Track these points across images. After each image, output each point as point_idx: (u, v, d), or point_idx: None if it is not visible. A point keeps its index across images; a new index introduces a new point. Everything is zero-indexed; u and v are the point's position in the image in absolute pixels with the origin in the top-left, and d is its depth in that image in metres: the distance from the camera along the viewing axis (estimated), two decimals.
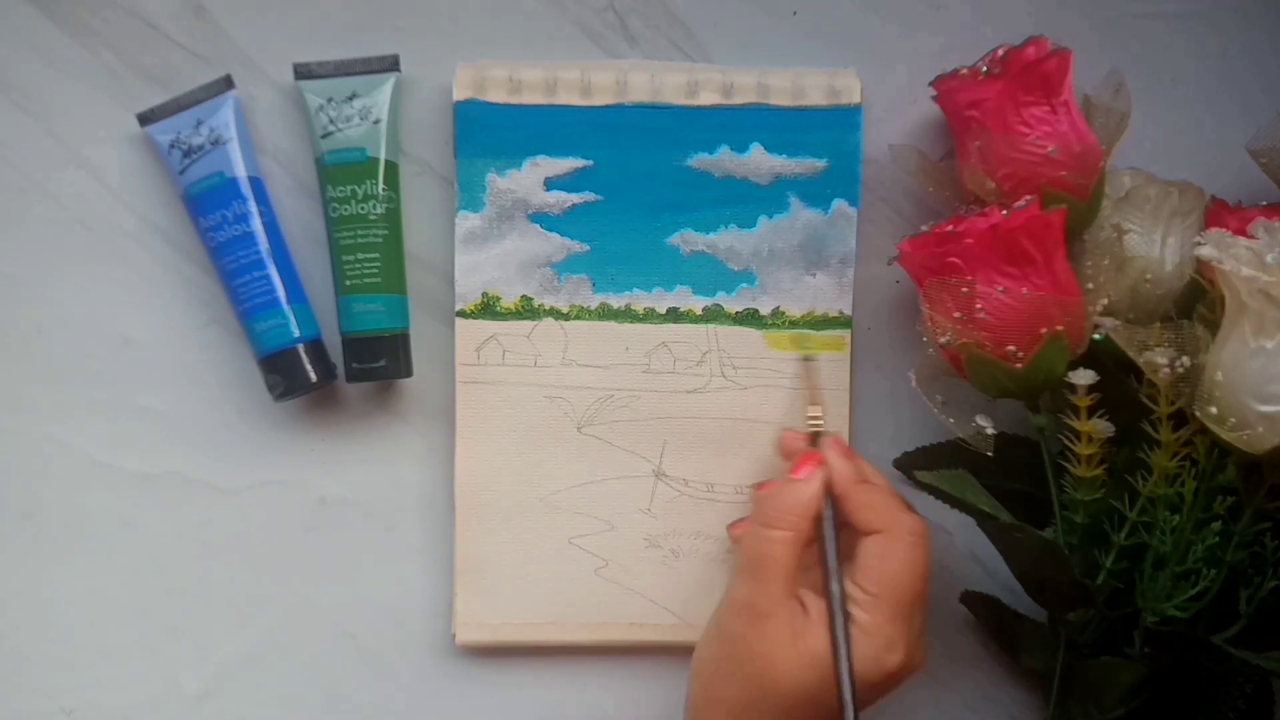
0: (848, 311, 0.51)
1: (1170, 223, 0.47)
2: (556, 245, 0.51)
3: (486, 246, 0.50)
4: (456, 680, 0.52)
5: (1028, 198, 0.44)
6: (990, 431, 0.46)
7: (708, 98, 0.50)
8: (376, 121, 0.49)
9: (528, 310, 0.51)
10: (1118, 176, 0.48)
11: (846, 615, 0.42)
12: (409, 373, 0.50)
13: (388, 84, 0.49)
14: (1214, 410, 0.41)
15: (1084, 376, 0.44)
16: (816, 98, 0.50)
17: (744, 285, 0.51)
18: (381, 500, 0.51)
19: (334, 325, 0.50)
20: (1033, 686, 0.52)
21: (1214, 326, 0.42)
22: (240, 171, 0.49)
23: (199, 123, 0.49)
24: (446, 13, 0.51)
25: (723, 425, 0.51)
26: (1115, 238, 0.46)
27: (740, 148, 0.50)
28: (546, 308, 0.51)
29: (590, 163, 0.50)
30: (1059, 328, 0.44)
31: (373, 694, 0.52)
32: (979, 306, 0.44)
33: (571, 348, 0.51)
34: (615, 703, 0.52)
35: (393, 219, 0.49)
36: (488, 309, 0.50)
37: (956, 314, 0.44)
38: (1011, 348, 0.44)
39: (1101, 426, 0.44)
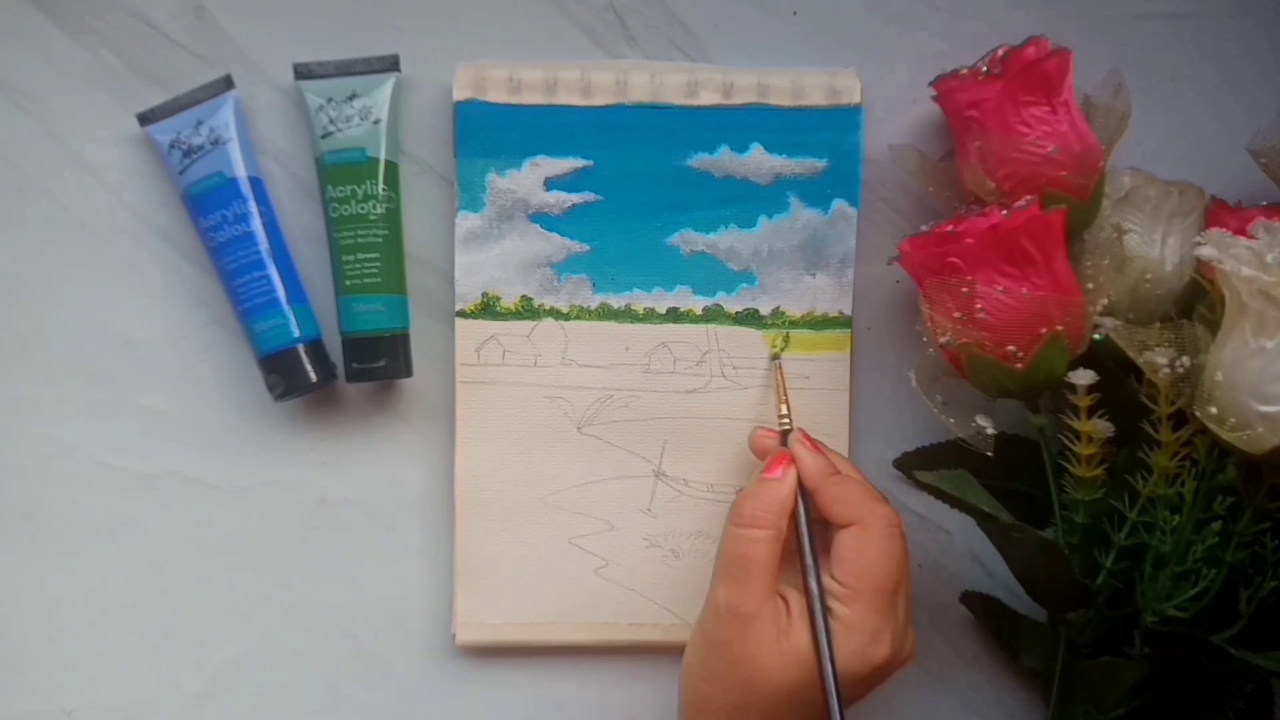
0: (848, 311, 0.51)
1: (1170, 223, 0.47)
2: (556, 245, 0.51)
3: (486, 246, 0.50)
4: (456, 680, 0.52)
5: (1028, 198, 0.44)
6: (990, 431, 0.46)
7: (708, 98, 0.50)
8: (376, 121, 0.49)
9: (528, 310, 0.51)
10: (1118, 176, 0.48)
11: (826, 610, 0.42)
12: (409, 373, 0.50)
13: (388, 84, 0.49)
14: (1214, 410, 0.41)
15: (1084, 376, 0.44)
16: (816, 98, 0.50)
17: (744, 285, 0.51)
18: (381, 500, 0.51)
19: (334, 325, 0.50)
20: (1033, 686, 0.52)
21: (1214, 326, 0.42)
22: (240, 171, 0.49)
23: (199, 123, 0.49)
24: (446, 13, 0.51)
25: (723, 425, 0.51)
26: (1115, 238, 0.46)
27: (740, 148, 0.50)
28: (546, 308, 0.51)
29: (590, 163, 0.50)
30: (1059, 328, 0.44)
31: (373, 694, 0.52)
32: (979, 306, 0.44)
33: (571, 348, 0.51)
34: (615, 703, 0.52)
35: (393, 219, 0.49)
36: (488, 309, 0.50)
37: (956, 314, 0.44)
38: (1011, 348, 0.44)
39: (1101, 426, 0.44)
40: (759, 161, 0.50)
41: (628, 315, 0.51)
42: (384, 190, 0.49)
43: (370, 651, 0.52)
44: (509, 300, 0.51)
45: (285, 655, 0.51)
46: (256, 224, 0.49)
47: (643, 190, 0.50)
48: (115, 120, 0.50)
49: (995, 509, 0.44)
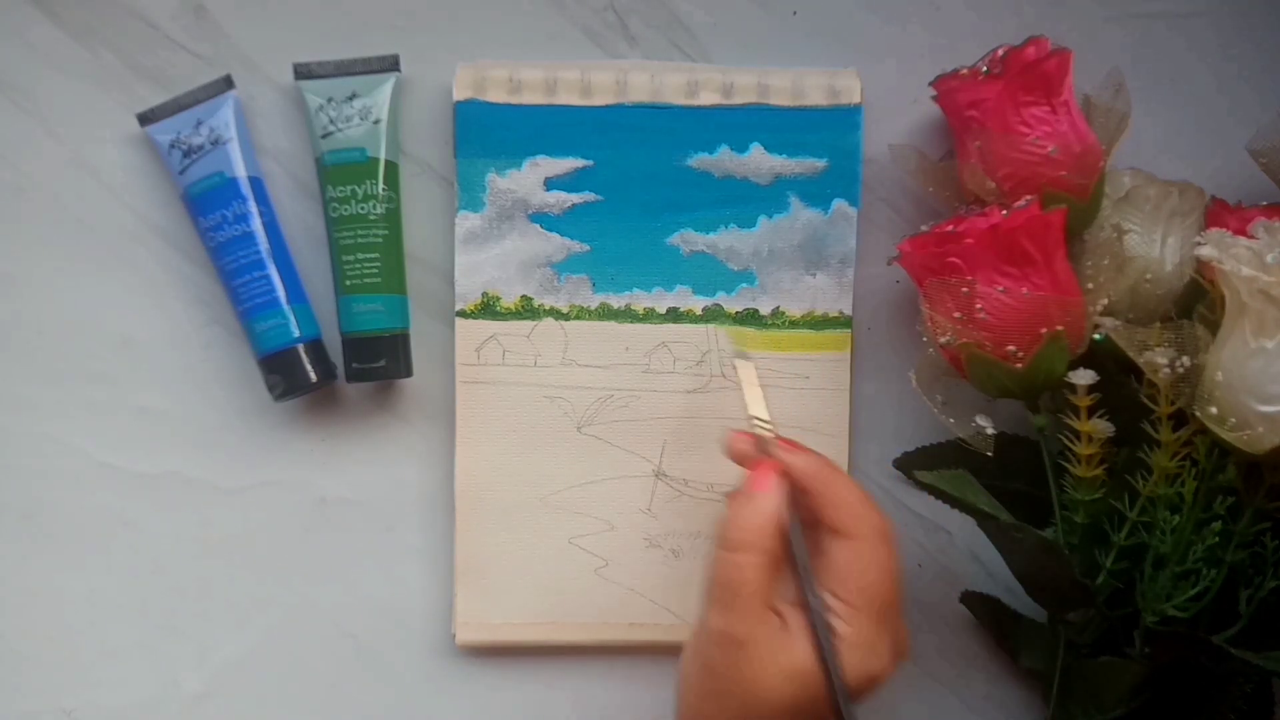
0: (848, 311, 0.51)
1: (1170, 223, 0.47)
2: (556, 245, 0.51)
3: (486, 246, 0.50)
4: (456, 680, 0.52)
5: (1028, 198, 0.44)
6: (990, 431, 0.46)
7: (708, 98, 0.50)
8: (376, 121, 0.49)
9: (528, 310, 0.51)
10: (1118, 176, 0.48)
11: (829, 627, 0.41)
12: (409, 373, 0.50)
13: (388, 84, 0.49)
14: (1214, 410, 0.41)
15: (1084, 376, 0.44)
16: (816, 98, 0.50)
17: (744, 285, 0.51)
18: (381, 500, 0.52)
19: (334, 325, 0.50)
20: (1033, 686, 0.52)
21: (1214, 326, 0.42)
22: (240, 171, 0.49)
23: (199, 123, 0.49)
24: (446, 13, 0.51)
25: (723, 425, 0.51)
26: (1115, 238, 0.46)
27: (740, 148, 0.50)
28: (546, 308, 0.51)
29: (590, 163, 0.50)
30: (1059, 328, 0.44)
31: (373, 694, 0.52)
32: (979, 306, 0.44)
33: (571, 348, 0.51)
34: (615, 703, 0.52)
35: (393, 219, 0.49)
36: (488, 309, 0.50)
37: (956, 314, 0.44)
38: (1011, 348, 0.44)
39: (1101, 426, 0.44)
40: (759, 161, 0.50)
41: (628, 315, 0.51)
42: (384, 190, 0.49)
43: (370, 651, 0.52)
44: (509, 300, 0.51)
45: (285, 655, 0.51)
46: (256, 224, 0.49)
47: (643, 190, 0.50)
48: (115, 120, 0.50)
49: (995, 509, 0.44)
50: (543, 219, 0.50)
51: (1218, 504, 0.43)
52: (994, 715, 0.53)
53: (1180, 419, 0.43)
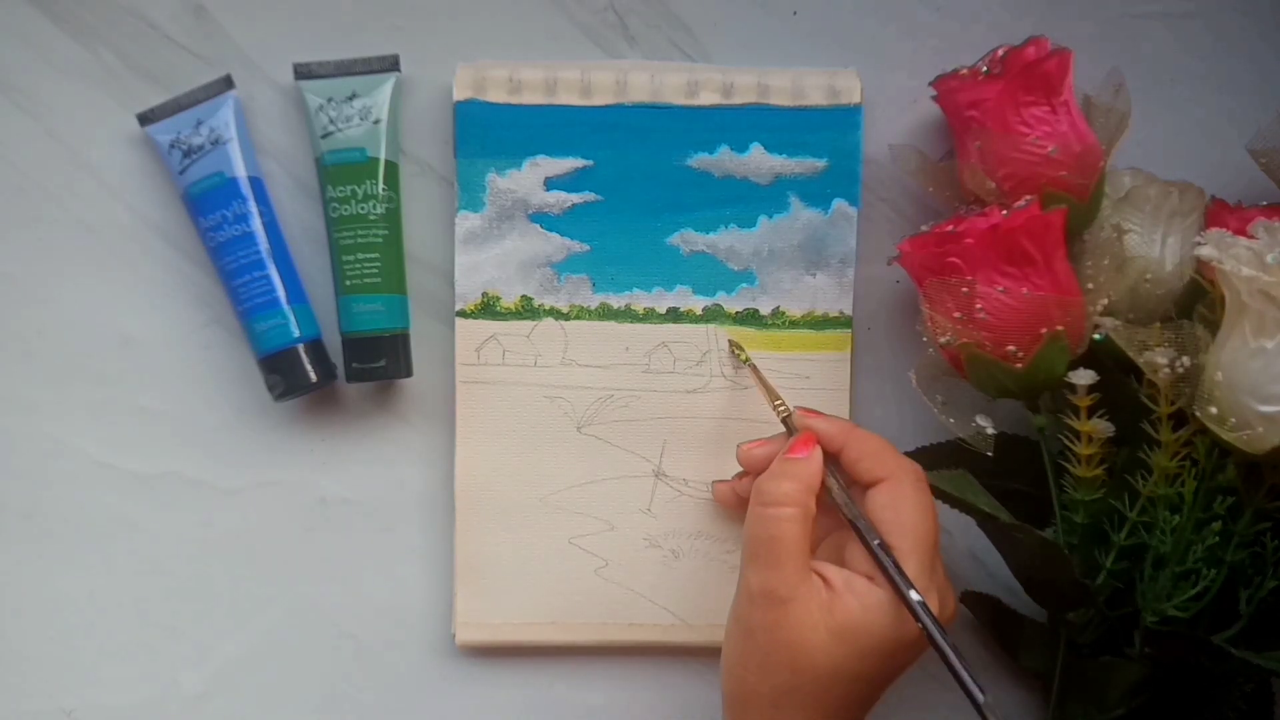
0: (848, 311, 0.51)
1: (1170, 223, 0.47)
2: (556, 245, 0.51)
3: (486, 246, 0.50)
4: (456, 680, 0.52)
5: (1028, 198, 0.44)
6: (990, 431, 0.46)
7: (708, 98, 0.50)
8: (376, 121, 0.49)
9: (528, 310, 0.51)
10: (1118, 176, 0.48)
11: (894, 560, 0.41)
12: (409, 373, 0.50)
13: (388, 84, 0.49)
14: (1214, 410, 0.41)
15: (1084, 376, 0.44)
16: (816, 98, 0.50)
17: (744, 285, 0.51)
18: (381, 500, 0.52)
19: (334, 325, 0.50)
20: (1033, 686, 0.52)
21: (1214, 326, 0.42)
22: (240, 171, 0.49)
23: (199, 123, 0.49)
24: (446, 13, 0.51)
25: (723, 425, 0.51)
26: (1115, 238, 0.46)
27: (740, 148, 0.50)
28: (546, 308, 0.51)
29: (590, 163, 0.50)
30: (1059, 328, 0.44)
31: (373, 694, 0.52)
32: (979, 306, 0.44)
33: (571, 348, 0.51)
34: (615, 703, 0.52)
35: (393, 219, 0.49)
36: (488, 309, 0.50)
37: (956, 314, 0.44)
38: (1011, 348, 0.44)
39: (1101, 426, 0.44)
40: (759, 161, 0.50)
41: (628, 315, 0.51)
42: (384, 190, 0.49)
43: (370, 651, 0.52)
44: (509, 300, 0.51)
45: (285, 655, 0.51)
46: (256, 224, 0.49)
47: (643, 190, 0.50)
48: (115, 120, 0.50)
49: (995, 509, 0.44)
50: (543, 219, 0.50)
51: (1218, 504, 0.43)
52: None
53: (1180, 419, 0.43)
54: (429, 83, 0.51)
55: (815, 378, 0.51)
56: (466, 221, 0.50)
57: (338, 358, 0.50)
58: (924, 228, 0.47)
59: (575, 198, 0.50)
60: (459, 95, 0.50)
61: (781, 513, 0.42)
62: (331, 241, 0.49)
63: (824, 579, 0.41)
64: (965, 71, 0.47)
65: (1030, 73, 0.45)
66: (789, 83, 0.50)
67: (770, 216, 0.51)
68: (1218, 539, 0.42)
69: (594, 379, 0.51)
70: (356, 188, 0.49)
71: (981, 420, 0.46)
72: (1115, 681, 0.46)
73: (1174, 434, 0.43)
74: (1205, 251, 0.40)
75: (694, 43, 0.52)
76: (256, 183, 0.50)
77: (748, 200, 0.50)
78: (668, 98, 0.50)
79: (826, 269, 0.51)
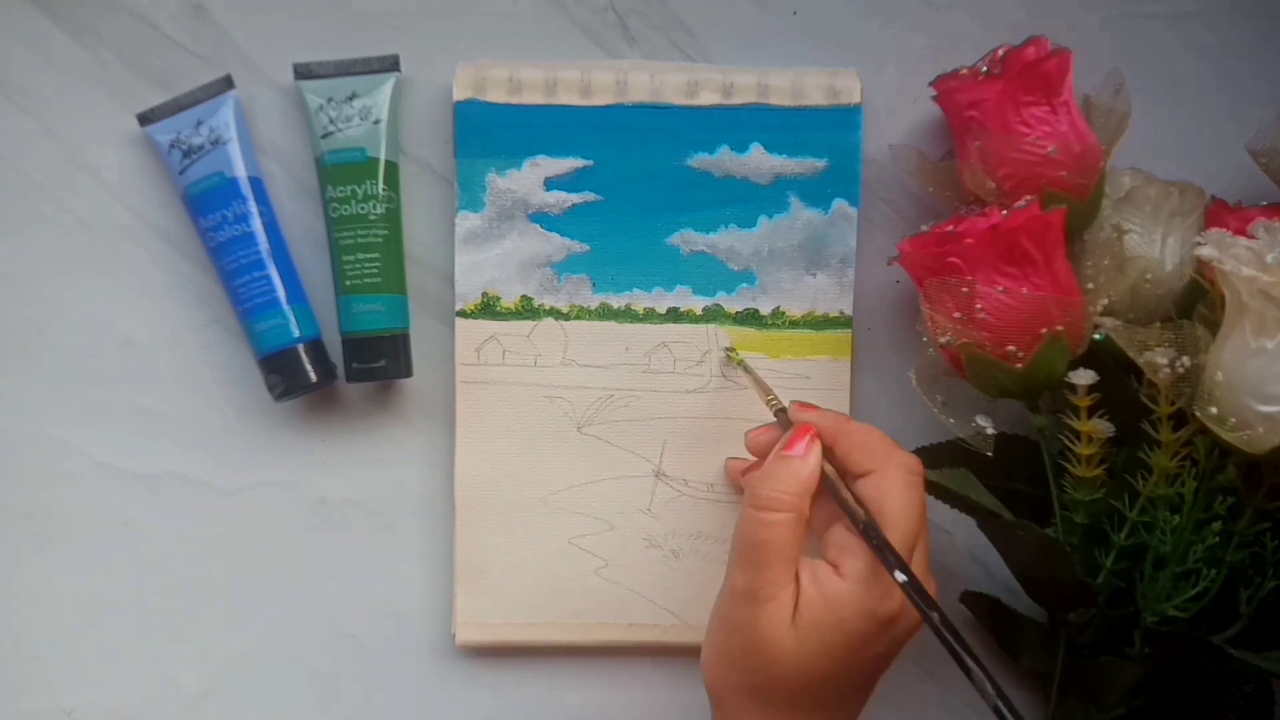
0: (848, 311, 0.51)
1: (1170, 223, 0.47)
2: (556, 245, 0.51)
3: (486, 246, 0.50)
4: (456, 680, 0.52)
5: (1028, 198, 0.44)
6: (990, 431, 0.46)
7: (708, 98, 0.50)
8: (376, 121, 0.49)
9: (528, 310, 0.51)
10: (1118, 176, 0.48)
11: (882, 534, 0.40)
12: (409, 373, 0.50)
13: (388, 84, 0.49)
14: (1214, 410, 0.41)
15: (1084, 376, 0.44)
16: (816, 98, 0.50)
17: (744, 285, 0.51)
18: (381, 500, 0.52)
19: (334, 325, 0.50)
20: (1033, 686, 0.52)
21: (1214, 326, 0.42)
22: (240, 171, 0.49)
23: (199, 123, 0.49)
24: (446, 13, 0.51)
25: (723, 425, 0.51)
26: (1115, 238, 0.46)
27: (740, 148, 0.50)
28: (546, 308, 0.51)
29: (590, 163, 0.50)
30: (1059, 328, 0.44)
31: (373, 694, 0.52)
32: (979, 306, 0.44)
33: (571, 348, 0.51)
34: (615, 703, 0.52)
35: (393, 219, 0.49)
36: (488, 309, 0.50)
37: (956, 314, 0.44)
38: (1011, 348, 0.44)
39: (1101, 426, 0.44)
40: (759, 161, 0.50)
41: (628, 315, 0.51)
42: (384, 190, 0.49)
43: (370, 651, 0.52)
44: (509, 300, 0.51)
45: (285, 655, 0.51)
46: (256, 224, 0.49)
47: (643, 190, 0.50)
48: (115, 120, 0.50)
49: (997, 507, 0.44)
50: (543, 219, 0.50)
51: (1218, 504, 0.43)
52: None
53: (1180, 419, 0.43)
54: (429, 83, 0.51)
55: (815, 378, 0.51)
56: (466, 221, 0.50)
57: (338, 358, 0.50)
58: (924, 228, 0.47)
59: (575, 198, 0.50)
60: (459, 95, 0.50)
61: (772, 517, 0.41)
62: (331, 241, 0.49)
63: (798, 576, 0.41)
64: (965, 71, 0.47)
65: (1030, 73, 0.45)
66: (789, 83, 0.50)
67: (770, 216, 0.51)
68: (1218, 539, 0.42)
69: (594, 379, 0.51)
70: (356, 188, 0.49)
71: (981, 420, 0.46)
72: (1115, 681, 0.46)
73: (1174, 434, 0.43)
74: (1205, 251, 0.40)
75: (694, 43, 0.52)
76: (256, 183, 0.50)
77: (748, 200, 0.50)
78: (668, 98, 0.50)
79: (826, 269, 0.51)
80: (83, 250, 0.51)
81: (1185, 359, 0.41)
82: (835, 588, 0.40)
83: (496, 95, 0.50)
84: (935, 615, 0.39)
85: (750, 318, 0.51)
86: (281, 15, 0.51)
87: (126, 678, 0.51)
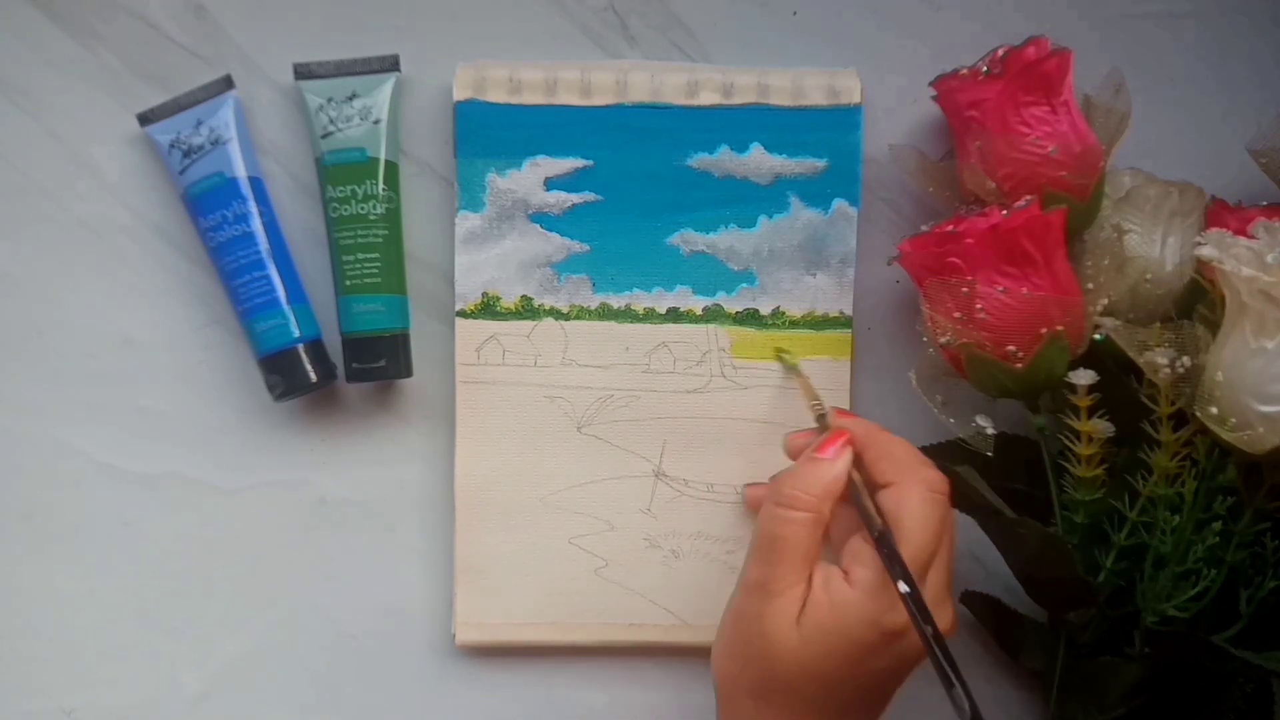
0: (848, 311, 0.51)
1: (1170, 223, 0.47)
2: (556, 245, 0.51)
3: (486, 246, 0.50)
4: (456, 680, 0.52)
5: (1028, 198, 0.44)
6: (990, 431, 0.46)
7: (708, 98, 0.50)
8: (376, 121, 0.49)
9: (528, 310, 0.51)
10: (1118, 176, 0.48)
11: (894, 547, 0.40)
12: (409, 373, 0.50)
13: (388, 84, 0.49)
14: (1214, 410, 0.41)
15: (1084, 376, 0.44)
16: (816, 98, 0.50)
17: (744, 285, 0.51)
18: (381, 500, 0.52)
19: (334, 325, 0.50)
20: (1033, 686, 0.52)
21: (1214, 326, 0.42)
22: (240, 171, 0.49)
23: (199, 123, 0.49)
24: (446, 13, 0.51)
25: (723, 425, 0.51)
26: (1115, 238, 0.46)
27: (740, 148, 0.50)
28: (546, 308, 0.51)
29: (590, 163, 0.50)
30: (1059, 328, 0.44)
31: (373, 694, 0.52)
32: (979, 306, 0.44)
33: (571, 348, 0.51)
34: (615, 703, 0.52)
35: (393, 219, 0.49)
36: (488, 309, 0.50)
37: (956, 314, 0.44)
38: (1011, 348, 0.44)
39: (1101, 426, 0.44)
40: (759, 161, 0.50)
41: (628, 315, 0.51)
42: (384, 190, 0.49)
43: (370, 651, 0.52)
44: (509, 300, 0.51)
45: (285, 655, 0.51)
46: (256, 224, 0.49)
47: (643, 190, 0.50)
48: (115, 120, 0.50)
49: (999, 504, 0.44)
50: (543, 219, 0.50)
51: (1218, 504, 0.43)
52: (994, 715, 0.52)
53: (1180, 419, 0.43)
54: (429, 83, 0.51)
55: (815, 378, 0.51)
56: (466, 221, 0.50)
57: (338, 358, 0.50)
58: (924, 228, 0.47)
59: (575, 198, 0.50)
60: (459, 95, 0.50)
61: (793, 515, 0.41)
62: (331, 241, 0.49)
63: (811, 579, 0.41)
64: (965, 71, 0.47)
65: (1030, 73, 0.45)
66: (789, 83, 0.50)
67: (770, 216, 0.51)
68: (1218, 539, 0.42)
69: (594, 379, 0.51)
70: (356, 188, 0.49)
71: (981, 420, 0.46)
72: (1115, 681, 0.46)
73: (1174, 434, 0.43)
74: (1205, 251, 0.40)
75: (694, 43, 0.52)
76: (256, 183, 0.50)
77: (748, 200, 0.50)
78: (668, 98, 0.50)
79: (826, 269, 0.51)
80: (83, 250, 0.51)
81: (1185, 359, 0.41)
82: (842, 594, 0.40)
83: (496, 95, 0.50)
84: (929, 630, 0.38)
85: (750, 318, 0.51)
86: (281, 15, 0.51)
87: (126, 678, 0.51)
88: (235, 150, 0.49)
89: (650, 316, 0.51)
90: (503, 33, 0.51)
